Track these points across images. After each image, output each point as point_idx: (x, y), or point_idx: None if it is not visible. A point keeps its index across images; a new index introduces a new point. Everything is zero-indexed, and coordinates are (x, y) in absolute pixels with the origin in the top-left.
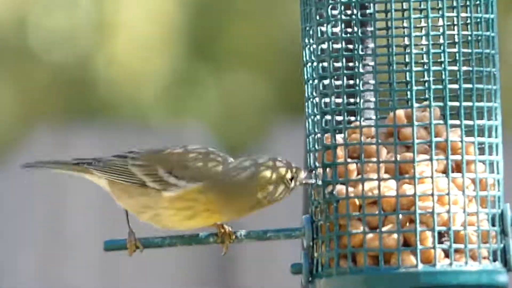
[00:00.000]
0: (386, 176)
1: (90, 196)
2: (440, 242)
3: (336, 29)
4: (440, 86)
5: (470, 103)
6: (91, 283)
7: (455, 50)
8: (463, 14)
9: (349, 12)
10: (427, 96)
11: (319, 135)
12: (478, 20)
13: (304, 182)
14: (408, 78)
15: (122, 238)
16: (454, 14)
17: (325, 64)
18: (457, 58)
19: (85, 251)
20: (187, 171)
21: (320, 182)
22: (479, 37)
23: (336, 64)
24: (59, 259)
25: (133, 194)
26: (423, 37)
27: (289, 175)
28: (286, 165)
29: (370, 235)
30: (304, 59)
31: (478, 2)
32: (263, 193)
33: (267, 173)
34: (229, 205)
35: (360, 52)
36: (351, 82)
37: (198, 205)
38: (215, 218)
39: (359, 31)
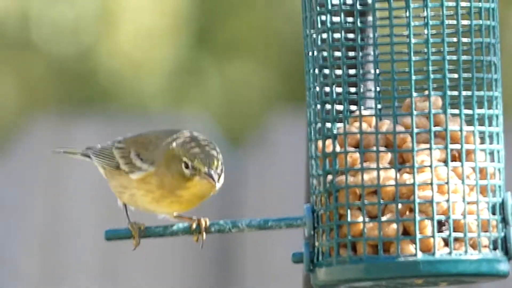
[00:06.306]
0: (386, 165)
1: (90, 187)
2: (440, 231)
3: (336, 19)
4: (440, 76)
5: (469, 92)
6: (91, 276)
7: (455, 39)
8: (463, 4)
9: (349, 2)
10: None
11: (319, 124)
12: (479, 9)
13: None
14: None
15: (123, 228)
16: (454, 3)
17: (325, 53)
18: (457, 47)
19: (85, 243)
20: (149, 154)
21: (320, 171)
22: (480, 27)
23: (337, 54)
24: (59, 251)
25: (114, 175)
26: (424, 27)
27: (190, 163)
28: (188, 148)
29: (369, 224)
30: (305, 48)
31: None
32: (167, 166)
33: (172, 148)
34: (166, 185)
35: (360, 42)
36: (352, 72)
37: (155, 189)
38: (175, 204)
39: (359, 20)
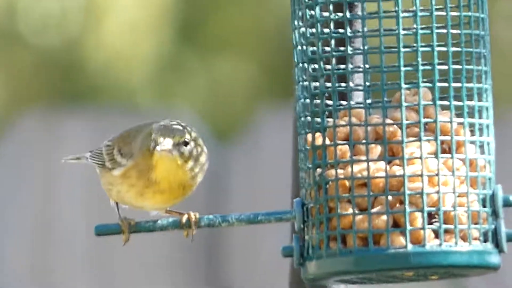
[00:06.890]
0: (375, 157)
1: (83, 183)
2: (430, 223)
3: (325, 12)
4: (430, 67)
5: (459, 84)
6: (80, 274)
7: (445, 31)
8: None
9: None
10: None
11: (308, 117)
12: (468, 1)
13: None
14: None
15: (113, 223)
16: None
17: (315, 47)
18: (447, 39)
19: (74, 241)
20: (128, 148)
21: (310, 165)
22: (469, 19)
23: (326, 47)
24: (48, 249)
25: (102, 173)
26: (413, 19)
27: (153, 135)
28: (157, 127)
29: (359, 217)
30: (294, 42)
31: None
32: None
33: (150, 129)
34: (143, 171)
35: (349, 35)
36: (341, 66)
37: (135, 181)
38: (158, 195)
39: (348, 13)
